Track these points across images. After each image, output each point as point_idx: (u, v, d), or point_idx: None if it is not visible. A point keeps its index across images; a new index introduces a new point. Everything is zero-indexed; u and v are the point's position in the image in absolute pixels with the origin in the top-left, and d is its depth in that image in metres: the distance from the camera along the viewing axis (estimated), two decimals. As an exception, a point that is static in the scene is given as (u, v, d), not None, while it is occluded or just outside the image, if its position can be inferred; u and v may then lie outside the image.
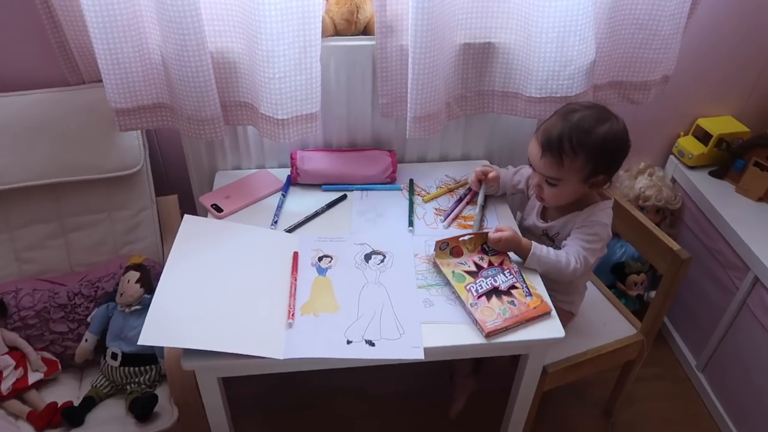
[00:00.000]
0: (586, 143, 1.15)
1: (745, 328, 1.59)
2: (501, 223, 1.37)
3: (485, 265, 1.24)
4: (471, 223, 1.37)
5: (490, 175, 1.39)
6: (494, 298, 1.17)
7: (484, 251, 1.26)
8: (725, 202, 1.69)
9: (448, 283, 1.21)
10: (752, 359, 1.56)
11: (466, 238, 1.26)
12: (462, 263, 1.24)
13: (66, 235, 1.49)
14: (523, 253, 1.23)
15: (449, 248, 1.25)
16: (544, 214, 1.35)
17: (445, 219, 1.38)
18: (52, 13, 1.32)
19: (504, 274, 1.21)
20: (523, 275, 1.21)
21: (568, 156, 1.16)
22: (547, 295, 1.19)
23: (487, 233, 1.25)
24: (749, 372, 1.58)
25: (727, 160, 1.76)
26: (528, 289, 1.18)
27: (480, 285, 1.19)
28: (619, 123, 1.18)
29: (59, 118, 1.41)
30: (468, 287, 1.19)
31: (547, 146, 1.17)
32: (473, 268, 1.23)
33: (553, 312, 1.16)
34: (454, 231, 1.36)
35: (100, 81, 1.34)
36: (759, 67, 1.76)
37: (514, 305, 1.15)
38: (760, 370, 1.53)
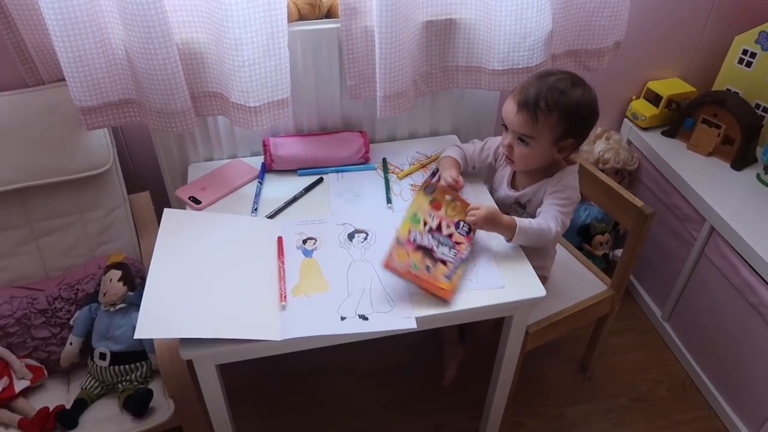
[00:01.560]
0: (560, 103, 1.20)
1: (704, 276, 1.70)
2: (480, 201, 1.37)
3: (445, 232, 1.24)
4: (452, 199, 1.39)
5: (460, 185, 1.39)
6: (420, 253, 1.18)
7: (457, 225, 1.26)
8: (678, 160, 1.79)
9: None
10: (713, 304, 1.67)
11: (453, 199, 1.27)
12: (430, 214, 1.25)
13: (37, 240, 1.46)
14: (506, 229, 1.24)
15: (432, 196, 1.27)
16: (514, 183, 1.39)
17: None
18: (5, 13, 1.29)
19: (448, 250, 1.22)
20: (461, 265, 1.21)
21: (543, 113, 1.20)
22: (455, 287, 1.18)
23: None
24: (711, 317, 1.69)
25: (677, 119, 1.86)
26: (451, 275, 1.18)
27: (423, 238, 1.20)
28: (591, 92, 1.24)
29: (21, 121, 1.37)
30: (412, 230, 1.20)
31: (524, 103, 1.21)
32: (433, 224, 1.24)
33: (531, 273, 1.22)
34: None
35: (62, 80, 1.32)
36: (700, 28, 1.86)
37: (428, 271, 1.16)
38: (720, 313, 1.64)
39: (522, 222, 1.25)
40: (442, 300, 1.15)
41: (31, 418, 1.28)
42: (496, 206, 1.29)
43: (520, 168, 1.33)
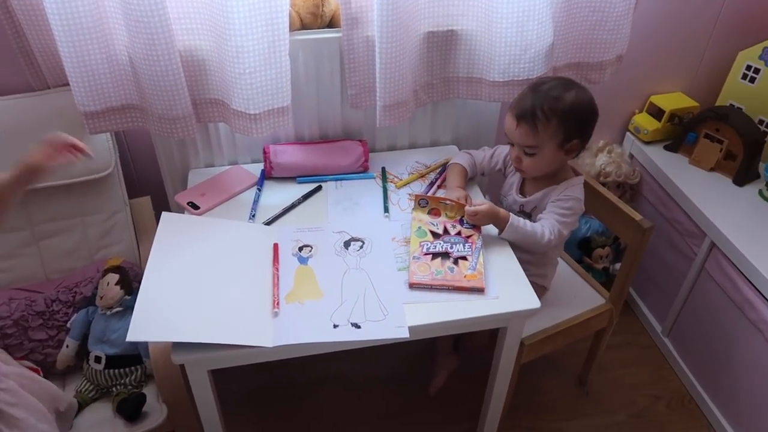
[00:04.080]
0: (556, 108, 1.22)
1: (705, 292, 1.68)
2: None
3: (452, 232, 1.30)
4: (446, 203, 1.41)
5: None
6: (438, 260, 1.23)
7: (461, 222, 1.32)
8: (680, 174, 1.78)
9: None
10: (713, 320, 1.66)
11: (448, 203, 1.33)
12: (433, 223, 1.31)
13: (38, 243, 1.47)
14: (502, 224, 1.29)
15: (428, 207, 1.33)
16: (522, 189, 1.41)
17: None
18: (13, 18, 1.31)
19: (463, 246, 1.27)
20: (481, 253, 1.25)
21: (542, 122, 1.23)
22: (482, 274, 1.21)
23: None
24: (710, 332, 1.67)
25: (680, 134, 1.85)
26: (475, 265, 1.23)
27: (435, 246, 1.26)
28: (585, 91, 1.26)
29: (25, 125, 1.39)
30: (422, 243, 1.27)
31: (522, 116, 1.24)
32: (440, 231, 1.30)
33: (526, 284, 1.21)
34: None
35: (66, 85, 1.34)
36: (704, 43, 1.86)
37: (452, 272, 1.21)
38: (720, 329, 1.63)
39: (515, 219, 1.28)
40: (477, 290, 1.18)
41: (26, 419, 1.28)
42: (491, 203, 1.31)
43: (532, 175, 1.36)
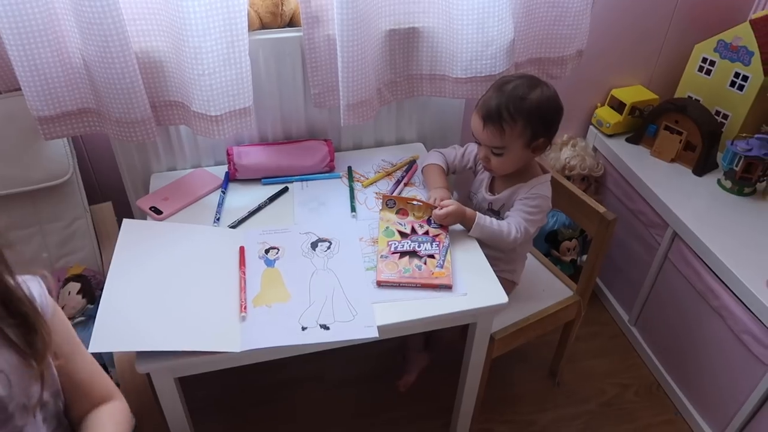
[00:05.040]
0: (522, 109, 1.23)
1: (669, 281, 1.72)
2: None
3: (420, 232, 1.30)
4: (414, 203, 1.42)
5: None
6: (406, 258, 1.24)
7: (429, 222, 1.32)
8: (642, 166, 1.82)
9: None
10: (677, 308, 1.69)
11: (415, 203, 1.33)
12: (401, 223, 1.32)
13: (-5, 253, 1.42)
14: (468, 223, 1.29)
15: (396, 207, 1.34)
16: (492, 187, 1.42)
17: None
18: (-42, 21, 1.26)
19: (430, 245, 1.27)
20: (449, 251, 1.26)
21: (508, 124, 1.24)
22: (450, 271, 1.21)
23: (434, 208, 1.31)
24: (675, 320, 1.71)
25: (641, 126, 1.89)
26: (443, 262, 1.23)
27: (402, 245, 1.27)
28: (550, 88, 1.27)
29: (-24, 131, 1.34)
30: (390, 242, 1.27)
31: (488, 118, 1.24)
32: (407, 230, 1.30)
33: (494, 280, 1.22)
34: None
35: (18, 90, 1.29)
36: (662, 37, 1.89)
37: (419, 269, 1.22)
38: (684, 317, 1.66)
39: (482, 218, 1.29)
40: (445, 287, 1.18)
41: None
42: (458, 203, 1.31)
43: (500, 173, 1.37)
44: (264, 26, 1.40)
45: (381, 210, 1.35)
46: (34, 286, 0.85)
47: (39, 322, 0.80)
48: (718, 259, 1.48)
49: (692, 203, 1.66)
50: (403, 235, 1.29)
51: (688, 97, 1.87)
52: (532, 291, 1.57)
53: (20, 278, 0.81)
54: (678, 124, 1.79)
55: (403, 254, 1.25)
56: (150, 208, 1.37)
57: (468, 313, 1.18)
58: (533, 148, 1.29)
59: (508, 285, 1.48)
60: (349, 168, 1.53)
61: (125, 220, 1.28)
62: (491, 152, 1.29)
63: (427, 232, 1.30)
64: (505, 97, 1.23)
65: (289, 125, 1.55)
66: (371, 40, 1.38)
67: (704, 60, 1.80)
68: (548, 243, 1.97)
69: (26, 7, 1.14)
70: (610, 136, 1.94)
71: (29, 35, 1.17)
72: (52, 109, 1.29)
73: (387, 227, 1.31)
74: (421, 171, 1.50)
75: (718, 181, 1.74)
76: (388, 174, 1.52)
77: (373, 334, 1.10)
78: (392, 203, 1.35)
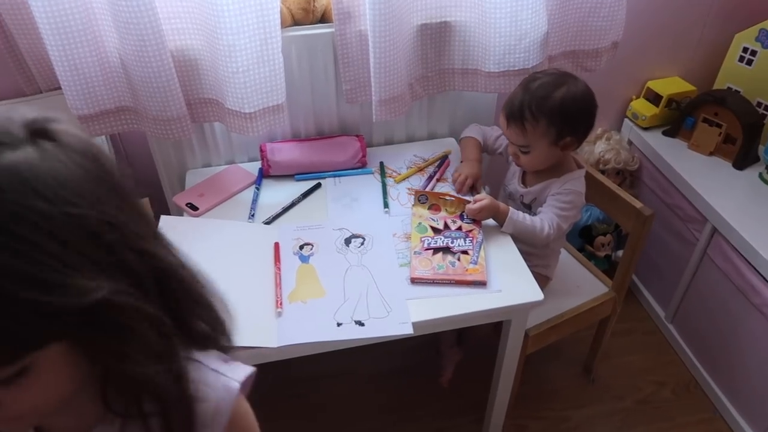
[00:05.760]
0: (544, 108, 1.22)
1: (707, 277, 1.68)
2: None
3: (453, 227, 1.29)
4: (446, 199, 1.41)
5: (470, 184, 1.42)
6: (440, 254, 1.23)
7: (461, 217, 1.31)
8: (679, 159, 1.77)
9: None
10: (716, 305, 1.65)
11: (448, 198, 1.32)
12: (433, 219, 1.31)
13: (37, 249, 1.46)
14: (501, 218, 1.28)
15: (428, 203, 1.33)
16: (524, 179, 1.41)
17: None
18: (1, 23, 1.29)
19: (463, 240, 1.26)
20: (483, 247, 1.25)
21: (530, 123, 1.23)
22: (484, 267, 1.21)
23: (467, 202, 1.30)
24: (714, 317, 1.67)
25: (678, 119, 1.84)
26: (477, 258, 1.23)
27: (435, 241, 1.26)
28: (578, 85, 1.24)
29: (19, 130, 1.38)
30: (423, 239, 1.26)
31: (511, 116, 1.25)
32: (440, 226, 1.30)
33: (529, 277, 1.21)
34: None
35: (58, 89, 1.32)
36: (701, 27, 1.84)
37: (453, 266, 1.21)
38: (724, 314, 1.62)
39: (515, 213, 1.28)
40: (479, 283, 1.18)
41: None
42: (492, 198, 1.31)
43: (530, 169, 1.36)
44: (296, 23, 1.41)
45: (413, 206, 1.35)
46: (213, 381, 0.60)
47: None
48: (759, 254, 1.44)
49: (732, 197, 1.62)
50: (435, 230, 1.29)
51: (728, 88, 1.81)
52: (566, 287, 1.55)
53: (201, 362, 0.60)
54: (717, 117, 1.74)
55: (436, 250, 1.24)
56: (186, 205, 1.39)
57: (503, 310, 1.17)
58: (561, 146, 1.27)
59: (542, 280, 1.46)
60: (381, 163, 1.53)
61: (163, 217, 1.30)
62: (519, 150, 1.29)
63: (460, 228, 1.29)
64: (529, 95, 1.23)
65: (321, 121, 1.55)
66: (403, 35, 1.37)
67: (745, 50, 1.75)
68: (582, 238, 1.95)
69: (65, 8, 1.16)
70: (645, 129, 1.90)
71: (68, 35, 1.19)
72: (91, 107, 1.32)
73: (420, 223, 1.30)
74: (459, 141, 1.51)
75: (760, 175, 1.69)
76: (420, 169, 1.52)
77: (408, 330, 1.10)
78: (425, 199, 1.34)
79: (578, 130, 1.26)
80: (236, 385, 0.61)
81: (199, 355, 0.60)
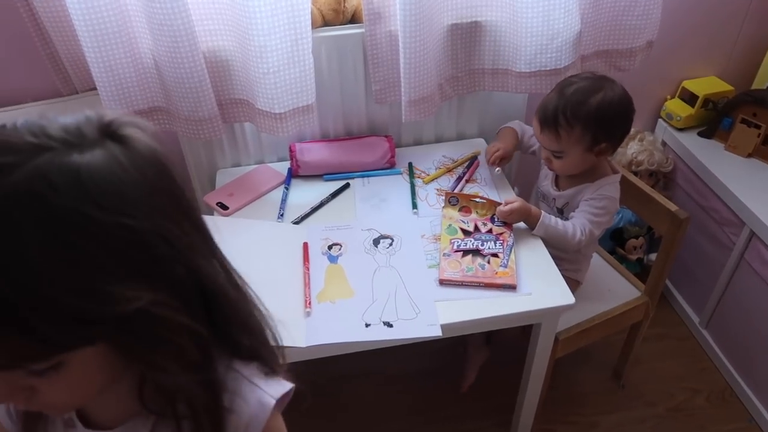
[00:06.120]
0: (579, 115, 1.19)
1: (745, 282, 1.63)
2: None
3: (483, 230, 1.28)
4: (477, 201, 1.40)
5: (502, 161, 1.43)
6: (469, 257, 1.22)
7: (492, 219, 1.30)
8: (716, 161, 1.73)
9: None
10: (753, 311, 1.61)
11: (479, 200, 1.31)
12: (464, 221, 1.30)
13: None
14: (533, 221, 1.27)
15: (459, 205, 1.33)
16: (557, 182, 1.39)
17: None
18: (39, 25, 1.32)
19: (494, 243, 1.25)
20: (513, 250, 1.23)
21: (564, 129, 1.21)
22: (514, 271, 1.19)
23: (498, 204, 1.29)
24: (751, 324, 1.62)
25: (715, 119, 1.80)
26: (507, 262, 1.21)
27: (465, 243, 1.25)
28: (615, 91, 1.22)
29: (55, 130, 1.41)
30: (453, 240, 1.25)
31: (545, 121, 1.23)
32: (470, 228, 1.29)
33: (560, 280, 1.19)
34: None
35: (93, 89, 1.35)
36: (738, 25, 1.79)
37: (483, 269, 1.20)
38: (761, 321, 1.58)
39: (547, 217, 1.26)
40: (509, 287, 1.17)
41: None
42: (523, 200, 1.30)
43: (564, 174, 1.35)
44: (326, 23, 1.41)
45: (443, 207, 1.34)
46: (249, 395, 0.59)
47: None
48: (801, 260, 1.40)
49: (771, 201, 1.57)
50: (465, 233, 1.28)
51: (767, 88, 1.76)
52: (597, 290, 1.52)
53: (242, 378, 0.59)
54: (756, 117, 1.69)
55: (466, 252, 1.23)
56: (217, 204, 1.40)
57: (533, 314, 1.15)
58: (596, 152, 1.25)
59: (572, 284, 1.43)
60: (410, 164, 1.52)
61: (193, 216, 1.31)
62: (552, 154, 1.28)
63: (490, 231, 1.28)
64: (564, 101, 1.20)
65: (350, 121, 1.55)
66: (433, 35, 1.36)
67: (786, 48, 1.70)
68: (613, 241, 1.91)
69: (102, 10, 1.18)
70: (680, 129, 1.86)
71: (104, 37, 1.22)
72: (125, 107, 1.34)
73: (450, 225, 1.30)
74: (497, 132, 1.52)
75: (801, 178, 1.64)
76: (449, 170, 1.51)
77: (436, 332, 1.09)
78: (455, 200, 1.33)
79: (614, 136, 1.24)
80: (271, 401, 0.60)
81: (241, 366, 0.59)
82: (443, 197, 1.37)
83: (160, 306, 0.47)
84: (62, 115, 0.49)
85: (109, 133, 0.48)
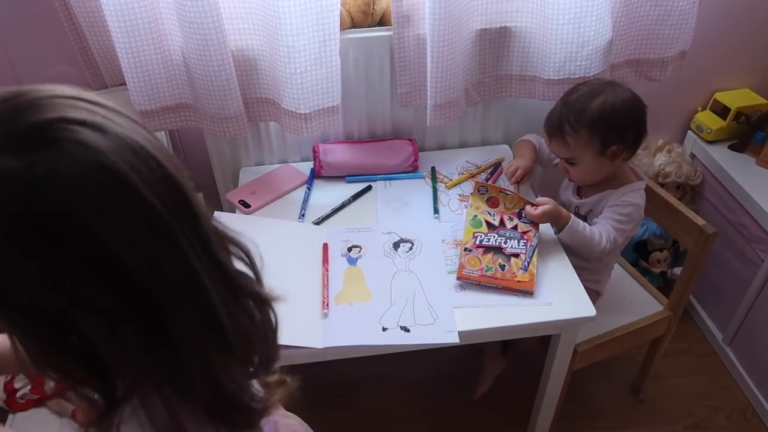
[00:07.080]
0: (582, 120, 1.20)
1: (772, 300, 1.59)
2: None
3: (509, 226, 1.26)
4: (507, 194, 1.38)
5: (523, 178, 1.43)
6: (491, 254, 1.21)
7: (519, 215, 1.28)
8: (747, 176, 1.69)
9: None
10: (780, 330, 1.57)
11: (508, 193, 1.30)
12: (490, 213, 1.28)
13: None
14: (562, 224, 1.25)
15: (487, 195, 1.31)
16: (579, 191, 1.38)
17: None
18: (73, 20, 1.34)
19: (517, 242, 1.23)
20: (536, 253, 1.22)
21: (570, 135, 1.22)
22: (534, 276, 1.18)
23: (527, 203, 1.27)
24: (777, 343, 1.59)
25: (747, 133, 1.76)
26: (527, 265, 1.19)
27: (488, 238, 1.23)
28: (618, 93, 1.21)
29: (85, 123, 1.43)
30: (476, 234, 1.24)
31: (551, 131, 1.25)
32: (495, 222, 1.27)
33: (581, 291, 1.17)
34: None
35: (123, 84, 1.36)
36: (775, 37, 1.75)
37: (502, 269, 1.18)
38: (788, 340, 1.54)
39: (576, 221, 1.25)
40: (527, 292, 1.15)
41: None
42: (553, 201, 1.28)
43: (582, 182, 1.34)
44: (354, 25, 1.41)
45: (471, 195, 1.32)
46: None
47: None
48: (832, 280, 1.36)
49: (803, 218, 1.53)
50: (490, 226, 1.26)
51: (803, 102, 1.72)
52: (619, 302, 1.50)
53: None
54: (790, 132, 1.66)
55: (487, 250, 1.22)
56: (239, 202, 1.41)
57: (553, 324, 1.14)
58: (610, 155, 1.23)
59: (593, 295, 1.41)
60: (433, 168, 1.52)
61: (216, 213, 1.33)
62: (566, 163, 1.28)
63: (516, 227, 1.26)
64: (567, 108, 1.22)
65: (374, 124, 1.55)
66: (461, 40, 1.35)
67: (823, 62, 1.65)
68: (637, 253, 1.88)
69: (134, 7, 1.20)
70: (710, 142, 1.82)
71: (136, 33, 1.23)
72: (153, 103, 1.35)
73: (475, 216, 1.28)
74: (512, 146, 1.51)
75: (834, 196, 1.59)
76: (473, 176, 1.50)
77: (453, 339, 1.09)
78: (484, 190, 1.31)
79: (626, 138, 1.22)
80: None
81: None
82: (473, 185, 1.34)
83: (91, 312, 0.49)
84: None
85: (39, 138, 0.44)
